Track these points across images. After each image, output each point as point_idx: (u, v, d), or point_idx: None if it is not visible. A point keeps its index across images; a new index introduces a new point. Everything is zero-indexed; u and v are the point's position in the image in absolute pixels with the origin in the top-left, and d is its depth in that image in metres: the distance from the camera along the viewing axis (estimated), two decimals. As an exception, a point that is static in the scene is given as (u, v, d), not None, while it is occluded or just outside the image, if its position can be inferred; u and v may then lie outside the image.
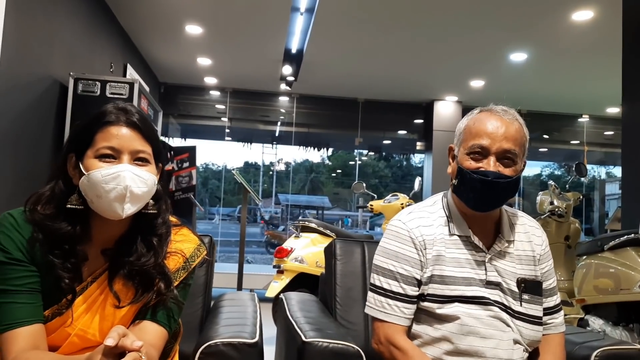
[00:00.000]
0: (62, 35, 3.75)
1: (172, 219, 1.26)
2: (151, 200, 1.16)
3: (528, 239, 1.42)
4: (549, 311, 1.41)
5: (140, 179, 1.10)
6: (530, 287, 1.36)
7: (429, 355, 1.32)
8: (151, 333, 1.14)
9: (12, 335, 1.02)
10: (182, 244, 1.24)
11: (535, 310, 1.35)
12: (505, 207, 1.44)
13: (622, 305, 3.12)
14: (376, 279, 1.39)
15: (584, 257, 3.50)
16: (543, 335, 1.39)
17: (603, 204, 7.86)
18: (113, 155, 1.10)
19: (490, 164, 1.28)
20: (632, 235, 3.05)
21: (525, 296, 1.34)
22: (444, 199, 1.46)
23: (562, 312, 1.44)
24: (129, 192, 1.08)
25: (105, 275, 1.15)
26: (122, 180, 1.07)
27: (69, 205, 1.10)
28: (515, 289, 1.34)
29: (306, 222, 4.43)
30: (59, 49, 3.70)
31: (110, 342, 0.87)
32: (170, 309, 1.17)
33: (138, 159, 1.12)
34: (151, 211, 1.16)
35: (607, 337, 1.68)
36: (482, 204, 1.31)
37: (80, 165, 1.10)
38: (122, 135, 1.11)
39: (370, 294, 1.40)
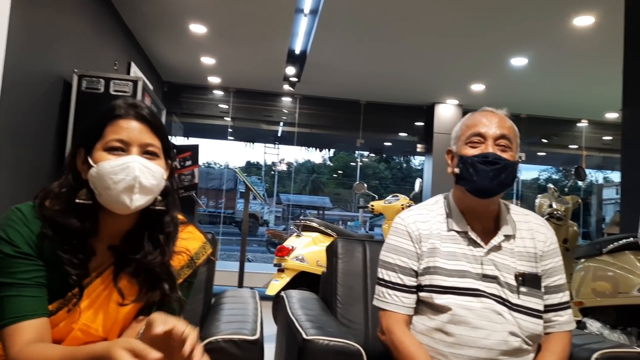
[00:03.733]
0: (67, 32, 3.77)
1: (179, 216, 1.26)
2: (159, 196, 1.16)
3: (531, 236, 1.45)
4: (554, 308, 1.43)
5: (149, 171, 1.10)
6: (529, 281, 1.39)
7: (426, 346, 1.37)
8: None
9: (17, 328, 1.03)
10: (188, 241, 1.24)
11: (533, 303, 1.38)
12: (510, 205, 1.51)
13: (620, 309, 3.13)
14: (379, 272, 1.48)
15: (583, 260, 3.52)
16: (547, 333, 1.41)
17: (600, 209, 7.88)
18: (122, 148, 1.10)
19: (489, 148, 1.36)
20: (631, 239, 3.07)
21: (523, 289, 1.38)
22: (446, 199, 1.53)
23: (569, 311, 1.45)
24: (138, 183, 1.07)
25: (111, 270, 1.15)
26: (131, 171, 1.07)
27: (77, 200, 1.10)
28: (513, 283, 1.38)
29: (307, 222, 4.45)
30: (63, 46, 3.73)
31: (161, 328, 0.87)
32: (173, 308, 1.18)
33: (147, 152, 1.12)
34: (159, 207, 1.16)
35: (607, 340, 1.69)
36: (485, 186, 1.35)
37: (89, 159, 1.10)
38: (131, 128, 1.11)
39: (376, 286, 1.49)
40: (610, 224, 6.16)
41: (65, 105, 3.72)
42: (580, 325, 3.28)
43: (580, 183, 4.51)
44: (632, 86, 3.72)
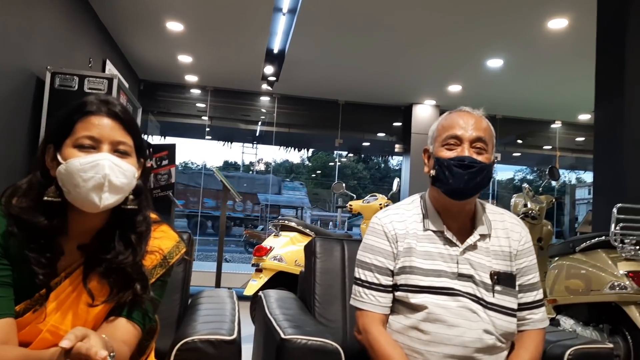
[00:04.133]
0: (40, 28, 3.69)
1: (152, 215, 1.24)
2: (131, 195, 1.13)
3: (506, 235, 1.47)
4: (528, 306, 1.45)
5: (119, 169, 1.07)
6: (504, 280, 1.41)
7: (402, 344, 1.39)
8: (124, 330, 1.12)
9: None
10: (161, 240, 1.22)
11: (508, 301, 1.40)
12: (486, 204, 1.52)
13: (592, 306, 3.20)
14: (356, 272, 1.49)
15: (556, 258, 3.58)
16: (520, 330, 1.44)
17: (573, 208, 8.07)
18: (93, 146, 1.08)
19: (465, 151, 1.37)
20: (603, 237, 3.14)
21: (497, 287, 1.39)
22: (422, 198, 1.53)
23: (542, 309, 1.47)
24: (108, 181, 1.05)
25: (80, 271, 1.12)
26: (101, 169, 1.05)
27: (45, 198, 1.07)
28: (489, 281, 1.40)
29: (286, 221, 4.43)
30: (36, 42, 3.65)
31: (65, 343, 0.84)
32: (146, 308, 1.16)
33: (118, 150, 1.10)
34: (131, 206, 1.13)
35: (580, 337, 1.72)
36: (460, 189, 1.37)
37: (58, 156, 1.07)
38: (103, 125, 1.09)
39: (353, 286, 1.49)
40: (582, 223, 6.30)
41: (38, 102, 3.64)
42: (554, 322, 3.34)
43: (554, 183, 4.59)
44: (604, 88, 3.80)
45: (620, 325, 2.99)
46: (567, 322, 3.29)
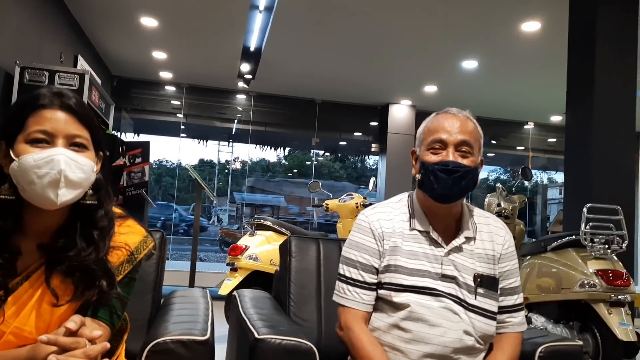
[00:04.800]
0: (8, 21, 3.59)
1: (117, 210, 1.20)
2: (90, 190, 1.10)
3: (490, 239, 1.48)
4: (508, 309, 1.46)
5: (76, 163, 1.04)
6: (486, 283, 1.42)
7: (383, 341, 1.39)
8: (91, 330, 1.08)
9: None
10: (128, 236, 1.19)
11: (488, 304, 1.41)
12: (472, 207, 1.54)
13: (563, 304, 3.26)
14: (341, 268, 1.48)
15: (528, 257, 3.64)
16: (499, 333, 1.45)
17: (545, 208, 8.23)
18: (46, 140, 1.04)
19: (449, 155, 1.37)
20: (574, 236, 3.20)
21: (480, 290, 1.41)
22: (409, 197, 1.53)
23: (522, 312, 1.49)
24: (64, 177, 1.01)
25: (41, 271, 1.08)
26: (56, 165, 1.01)
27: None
28: (471, 283, 1.41)
29: (261, 220, 4.41)
30: (4, 36, 3.54)
31: (71, 325, 0.85)
32: (113, 306, 1.13)
33: (74, 144, 1.06)
34: (90, 202, 1.10)
35: (551, 334, 1.75)
36: (445, 194, 1.38)
37: (11, 152, 1.03)
38: (56, 119, 1.04)
39: (337, 282, 1.49)
40: (554, 222, 6.42)
41: (7, 98, 3.55)
42: (526, 319, 3.40)
43: (526, 183, 4.67)
44: (575, 90, 3.89)
45: (589, 323, 3.06)
46: (538, 320, 3.34)
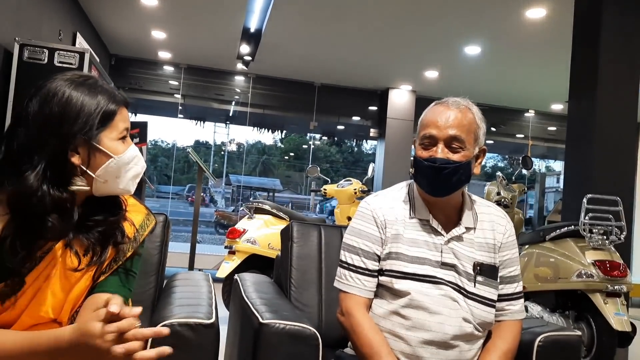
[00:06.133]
0: (6, -3, 3.53)
1: None
2: None
3: (491, 228, 1.50)
4: (507, 297, 1.49)
5: (142, 157, 1.14)
6: (486, 271, 1.44)
7: (383, 328, 1.41)
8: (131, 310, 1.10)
9: None
10: (132, 214, 1.21)
11: (488, 292, 1.43)
12: (474, 196, 1.55)
13: (559, 293, 3.29)
14: (342, 255, 1.50)
15: (526, 246, 3.66)
16: (499, 320, 1.47)
17: (543, 197, 8.27)
18: (125, 136, 1.12)
19: (439, 152, 1.38)
20: (572, 227, 3.21)
21: (479, 278, 1.43)
22: (410, 186, 1.54)
23: (521, 301, 1.51)
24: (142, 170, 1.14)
25: (55, 249, 1.07)
26: (140, 160, 1.12)
27: (73, 187, 1.05)
28: (471, 271, 1.42)
29: (260, 204, 4.40)
30: (4, 12, 3.48)
31: (114, 308, 0.88)
32: (122, 279, 1.15)
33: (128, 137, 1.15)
34: None
35: (549, 324, 1.76)
36: (435, 189, 1.41)
37: (103, 148, 1.07)
38: (126, 114, 1.13)
39: (338, 269, 1.50)
40: (552, 212, 6.44)
41: (6, 75, 3.50)
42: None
43: (525, 171, 4.68)
44: (578, 79, 3.86)
45: (585, 312, 3.10)
46: (534, 309, 3.38)
